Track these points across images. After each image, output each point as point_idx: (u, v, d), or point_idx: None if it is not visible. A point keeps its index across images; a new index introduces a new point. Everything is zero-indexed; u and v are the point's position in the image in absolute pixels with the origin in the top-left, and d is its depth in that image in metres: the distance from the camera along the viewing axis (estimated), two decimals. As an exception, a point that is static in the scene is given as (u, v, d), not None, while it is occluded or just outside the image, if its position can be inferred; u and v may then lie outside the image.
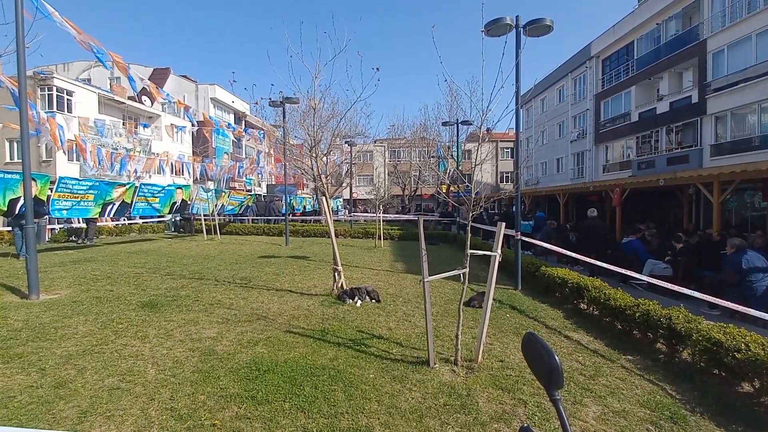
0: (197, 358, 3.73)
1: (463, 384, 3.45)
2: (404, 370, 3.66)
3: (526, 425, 1.08)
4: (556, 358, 1.01)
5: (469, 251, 3.65)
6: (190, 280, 7.12)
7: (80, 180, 10.18)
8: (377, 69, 5.44)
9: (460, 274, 3.75)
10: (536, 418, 2.99)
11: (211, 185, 29.52)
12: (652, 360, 4.21)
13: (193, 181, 29.60)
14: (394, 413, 2.96)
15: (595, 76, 25.36)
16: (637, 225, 11.12)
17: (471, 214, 3.63)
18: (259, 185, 43.04)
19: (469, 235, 3.75)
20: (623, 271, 5.80)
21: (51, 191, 9.34)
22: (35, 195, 9.08)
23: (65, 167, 22.14)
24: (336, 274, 6.16)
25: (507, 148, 44.55)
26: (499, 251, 3.78)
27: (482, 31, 3.54)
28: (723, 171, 8.27)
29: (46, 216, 11.15)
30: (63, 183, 9.49)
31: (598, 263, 6.35)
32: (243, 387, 3.21)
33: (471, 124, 17.49)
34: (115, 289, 6.22)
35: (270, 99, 11.55)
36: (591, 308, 5.86)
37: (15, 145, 22.82)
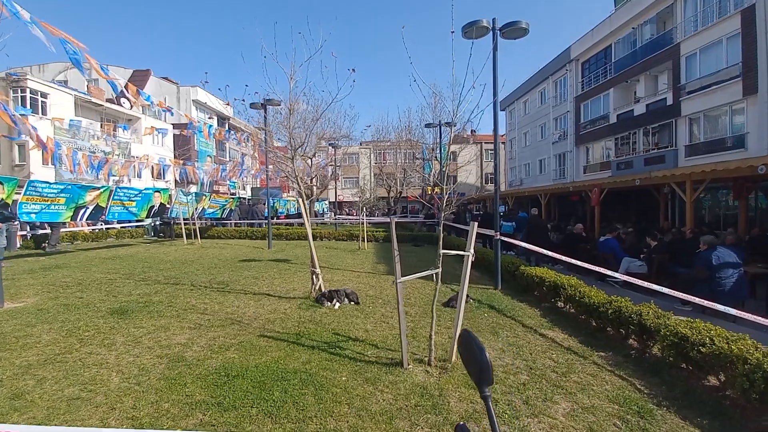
0: (165, 365, 3.63)
1: (436, 384, 3.43)
2: (378, 371, 3.62)
3: (461, 423, 1.07)
4: (487, 355, 1.01)
5: (442, 251, 3.65)
6: (165, 285, 6.95)
7: (51, 183, 9.87)
8: (353, 70, 5.43)
9: (433, 275, 3.74)
10: (505, 416, 3.00)
11: (193, 188, 29.08)
12: (623, 356, 4.27)
13: (174, 185, 29.11)
14: (363, 416, 2.92)
15: (575, 79, 25.85)
16: (614, 224, 11.34)
17: (443, 214, 3.63)
18: (244, 188, 42.54)
19: (441, 235, 3.75)
20: (595, 268, 5.89)
21: (19, 195, 9.01)
22: (2, 199, 8.77)
23: (40, 171, 21.47)
24: (314, 276, 6.09)
25: (491, 150, 45.03)
26: (472, 251, 3.79)
27: (452, 32, 3.55)
28: (694, 171, 8.50)
29: (17, 222, 10.78)
30: (32, 186, 9.17)
31: (576, 262, 6.44)
32: (210, 393, 3.13)
33: (454, 126, 17.65)
34: (85, 296, 6.03)
35: (243, 100, 11.40)
36: (567, 306, 5.94)
37: (-13, 148, 22.03)
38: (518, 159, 35.05)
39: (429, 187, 25.09)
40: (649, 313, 4.37)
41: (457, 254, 3.82)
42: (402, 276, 3.65)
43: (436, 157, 19.53)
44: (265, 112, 12.89)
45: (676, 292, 4.77)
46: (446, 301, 6.24)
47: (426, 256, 11.46)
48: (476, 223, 3.77)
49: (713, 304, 4.18)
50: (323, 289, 6.05)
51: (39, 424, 2.67)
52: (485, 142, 44.38)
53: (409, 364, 3.73)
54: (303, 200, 5.82)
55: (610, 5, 23.36)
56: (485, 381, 1.00)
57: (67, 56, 8.67)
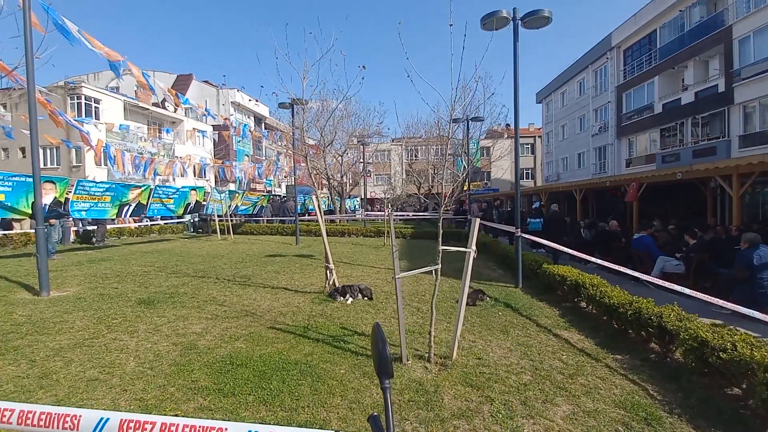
0: (178, 352, 3.86)
1: (433, 381, 3.42)
2: (377, 366, 3.66)
3: (374, 414, 1.08)
4: (388, 348, 1.03)
5: (441, 247, 3.62)
6: (192, 278, 7.35)
7: (97, 182, 10.69)
8: (363, 67, 5.47)
9: (433, 270, 3.72)
10: (500, 415, 2.94)
11: (232, 186, 30.39)
12: (641, 360, 4.04)
13: (214, 183, 30.56)
14: (355, 408, 2.97)
15: (617, 68, 24.47)
16: (652, 221, 10.68)
17: (442, 209, 3.60)
18: (279, 186, 43.89)
19: (441, 231, 3.71)
20: (615, 266, 5.59)
21: (70, 193, 9.83)
22: (55, 197, 9.59)
23: (94, 171, 23.28)
24: (328, 272, 6.22)
25: (527, 144, 43.66)
26: (474, 247, 3.73)
27: (450, 25, 3.48)
28: (740, 163, 7.84)
29: (71, 218, 11.76)
30: (81, 186, 9.99)
31: (593, 259, 6.15)
32: (213, 380, 3.30)
33: (482, 120, 17.27)
34: (120, 287, 6.50)
35: (257, 100, 11.73)
36: (589, 306, 5.69)
37: (48, 151, 24.17)
38: (555, 153, 33.71)
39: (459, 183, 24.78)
40: (670, 315, 4.11)
41: (458, 250, 3.77)
42: (403, 272, 3.67)
43: (466, 152, 19.26)
44: (293, 112, 13.22)
45: (705, 296, 4.42)
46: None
47: (452, 252, 11.32)
48: (478, 220, 3.70)
49: (737, 306, 3.86)
50: (337, 284, 6.16)
51: (59, 402, 2.93)
52: (520, 136, 43.09)
53: (408, 360, 3.74)
54: (317, 197, 5.95)
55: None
56: (385, 373, 1.02)
57: (108, 63, 9.37)
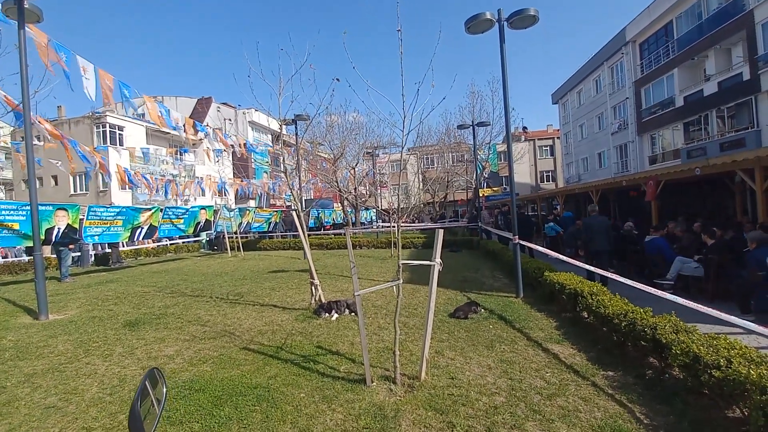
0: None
1: (394, 405, 3.20)
2: (340, 388, 3.48)
3: None
4: (138, 406, 1.03)
5: (402, 262, 3.43)
6: (187, 297, 7.40)
7: (108, 207, 11.08)
8: (337, 80, 5.39)
9: (394, 286, 3.53)
10: (456, 445, 2.70)
11: (252, 203, 31.07)
12: (635, 377, 3.68)
13: (235, 201, 31.33)
14: (301, 437, 2.81)
15: (633, 62, 23.57)
16: (665, 222, 10.04)
17: (400, 221, 3.42)
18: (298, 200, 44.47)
19: (400, 244, 3.52)
20: (597, 270, 5.19)
21: (82, 219, 10.21)
22: (68, 223, 9.99)
23: (119, 195, 24.33)
24: (313, 287, 6.10)
25: (546, 146, 42.58)
26: (439, 260, 3.51)
27: (398, 31, 3.35)
28: (761, 154, 7.24)
29: (86, 242, 12.21)
30: (92, 211, 10.37)
31: (603, 272, 5.76)
32: (165, 407, 3.20)
33: (488, 125, 16.93)
34: (115, 309, 6.60)
35: (231, 120, 11.89)
36: (590, 317, 5.30)
37: (77, 178, 25.51)
38: (575, 154, 32.64)
39: (482, 190, 24.42)
40: (665, 327, 3.73)
41: (421, 264, 3.56)
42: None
43: (480, 158, 18.91)
44: (296, 128, 13.37)
45: (708, 309, 3.99)
46: (452, 311, 5.90)
47: (456, 262, 11.01)
48: (442, 231, 3.49)
49: (729, 317, 3.45)
50: (323, 300, 6.02)
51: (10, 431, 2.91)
52: (539, 139, 42.10)
53: (373, 382, 3.53)
54: (299, 213, 5.88)
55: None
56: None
57: (121, 95, 9.77)
